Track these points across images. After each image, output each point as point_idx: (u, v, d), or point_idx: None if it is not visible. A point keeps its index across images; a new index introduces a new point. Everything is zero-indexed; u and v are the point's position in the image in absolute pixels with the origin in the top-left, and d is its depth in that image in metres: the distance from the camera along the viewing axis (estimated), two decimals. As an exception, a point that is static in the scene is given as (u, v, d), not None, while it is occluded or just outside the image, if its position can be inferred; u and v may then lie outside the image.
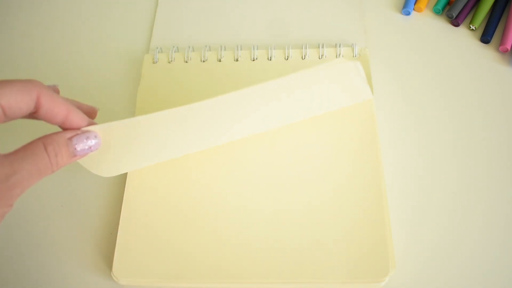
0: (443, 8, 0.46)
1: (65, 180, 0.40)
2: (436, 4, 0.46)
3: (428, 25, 0.46)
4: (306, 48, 0.43)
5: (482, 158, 0.39)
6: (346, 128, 0.39)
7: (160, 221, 0.36)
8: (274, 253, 0.34)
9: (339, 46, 0.43)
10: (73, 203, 0.39)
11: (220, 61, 0.43)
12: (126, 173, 0.38)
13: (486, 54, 0.44)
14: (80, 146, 0.30)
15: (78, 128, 0.30)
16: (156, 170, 0.38)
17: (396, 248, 0.35)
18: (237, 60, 0.43)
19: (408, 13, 0.47)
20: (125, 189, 0.37)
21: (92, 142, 0.31)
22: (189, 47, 0.44)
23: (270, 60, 0.43)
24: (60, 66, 0.46)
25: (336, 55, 0.42)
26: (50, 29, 0.49)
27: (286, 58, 0.43)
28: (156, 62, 0.43)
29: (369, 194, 0.36)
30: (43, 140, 0.28)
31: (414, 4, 0.47)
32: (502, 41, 0.43)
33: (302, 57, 0.43)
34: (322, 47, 0.43)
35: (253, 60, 0.43)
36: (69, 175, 0.40)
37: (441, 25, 0.46)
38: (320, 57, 0.42)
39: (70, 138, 0.30)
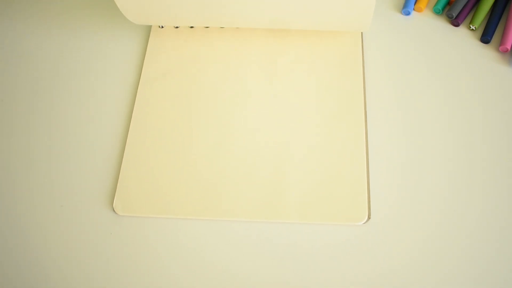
0: (443, 8, 0.46)
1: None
2: (436, 4, 0.46)
3: (428, 25, 0.46)
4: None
5: (481, 157, 0.38)
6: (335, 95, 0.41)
7: (160, 160, 0.39)
8: (269, 192, 0.37)
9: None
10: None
11: (222, 28, 0.45)
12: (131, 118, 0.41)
13: (486, 54, 0.44)
14: None
15: None
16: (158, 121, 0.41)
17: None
18: (238, 28, 0.45)
19: (408, 13, 0.47)
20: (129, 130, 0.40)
21: None
22: None
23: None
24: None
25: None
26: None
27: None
28: (162, 27, 0.46)
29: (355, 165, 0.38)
30: None
31: (414, 4, 0.47)
32: (502, 41, 0.43)
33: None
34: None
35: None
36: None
37: (441, 25, 0.46)
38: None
39: None
